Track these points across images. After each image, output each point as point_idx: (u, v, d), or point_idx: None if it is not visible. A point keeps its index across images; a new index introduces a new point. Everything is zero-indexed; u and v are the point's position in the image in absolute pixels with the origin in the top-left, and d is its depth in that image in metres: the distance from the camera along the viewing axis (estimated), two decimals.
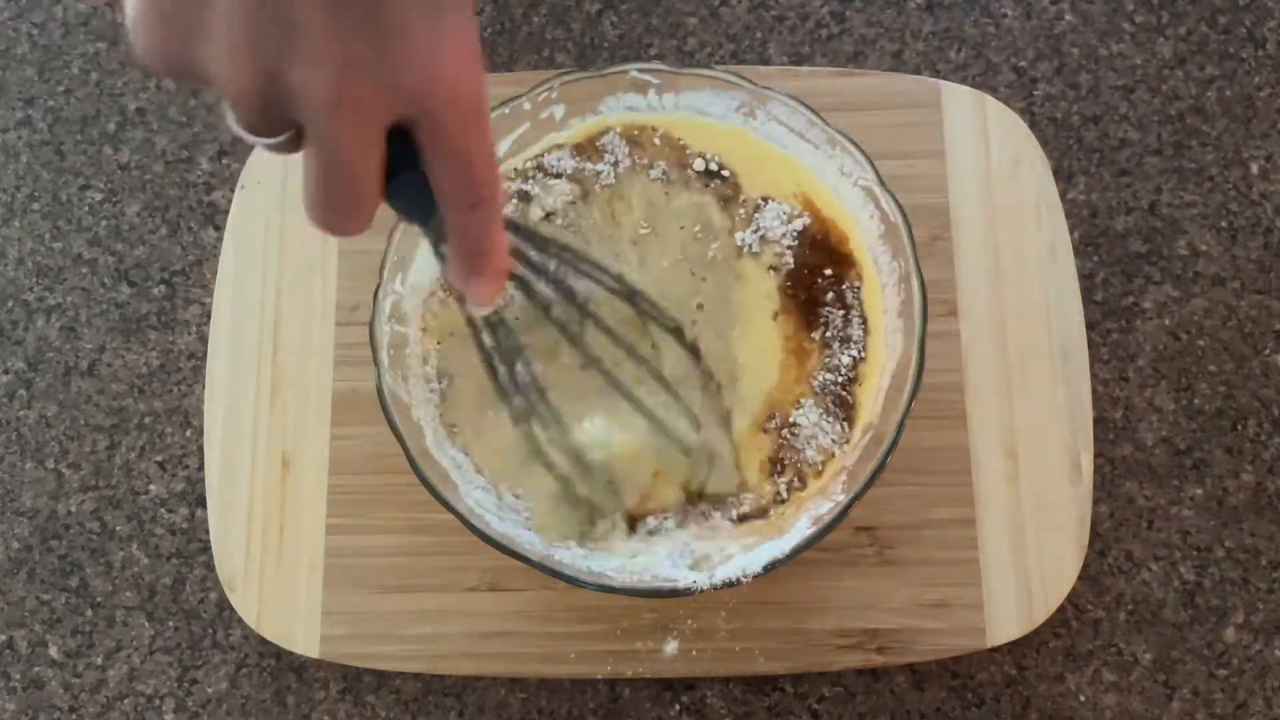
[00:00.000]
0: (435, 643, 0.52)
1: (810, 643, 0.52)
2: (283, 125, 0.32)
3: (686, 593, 0.47)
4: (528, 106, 0.52)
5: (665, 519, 0.50)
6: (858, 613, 0.53)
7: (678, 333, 0.50)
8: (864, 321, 0.52)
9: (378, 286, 0.50)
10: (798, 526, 0.49)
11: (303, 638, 0.52)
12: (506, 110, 0.52)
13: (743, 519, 0.50)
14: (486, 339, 0.46)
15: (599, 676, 0.52)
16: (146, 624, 0.55)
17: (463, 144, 0.33)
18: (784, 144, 0.54)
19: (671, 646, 0.52)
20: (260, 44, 0.30)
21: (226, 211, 0.58)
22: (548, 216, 0.53)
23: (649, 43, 0.62)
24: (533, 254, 0.46)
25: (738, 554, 0.49)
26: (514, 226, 0.43)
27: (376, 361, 0.49)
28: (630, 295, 0.49)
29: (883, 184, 0.50)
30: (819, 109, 0.52)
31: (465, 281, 0.39)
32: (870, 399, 0.51)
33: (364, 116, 0.32)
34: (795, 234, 0.53)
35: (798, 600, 0.53)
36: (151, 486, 0.56)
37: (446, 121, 0.32)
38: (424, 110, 0.32)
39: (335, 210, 0.34)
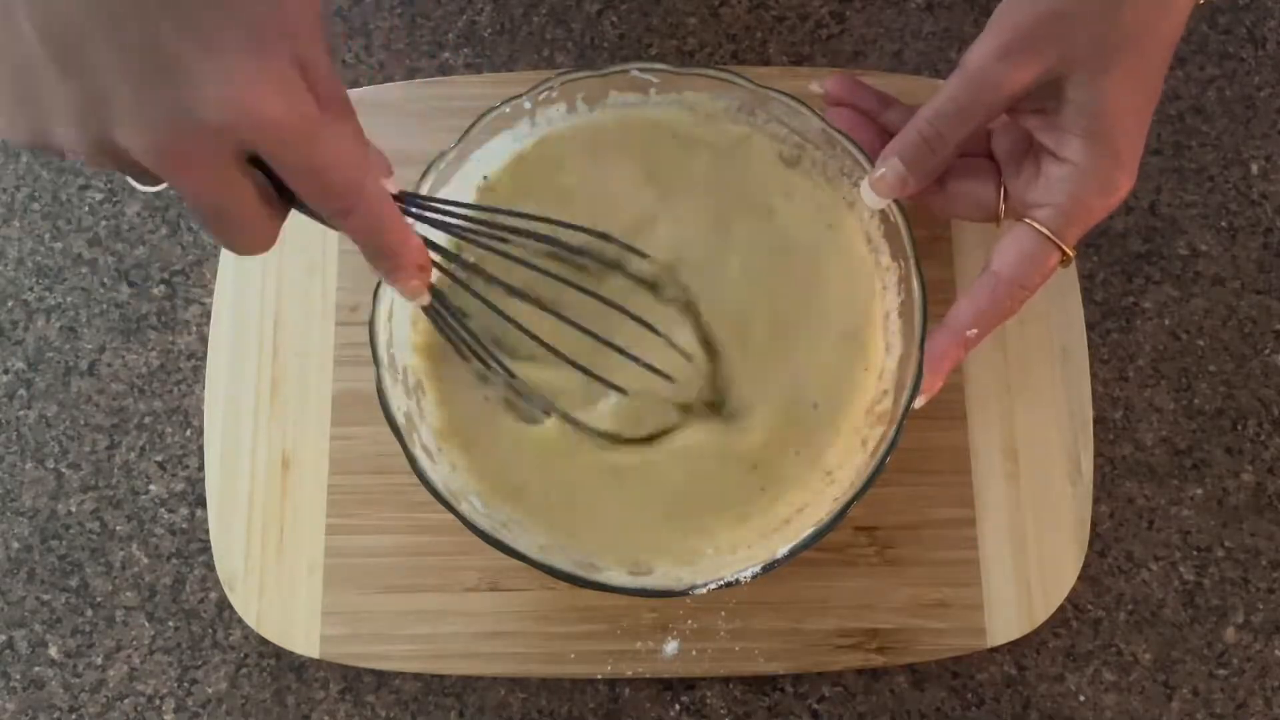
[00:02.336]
0: (435, 643, 0.52)
1: (810, 643, 0.52)
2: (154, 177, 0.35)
3: (685, 593, 0.47)
4: (528, 105, 0.52)
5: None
6: (858, 613, 0.53)
7: (654, 288, 0.50)
8: None
9: (377, 285, 0.50)
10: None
11: (303, 638, 0.52)
12: (507, 109, 0.52)
13: None
14: (446, 321, 0.46)
15: (599, 676, 0.52)
16: (146, 624, 0.55)
17: (299, 161, 0.35)
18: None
19: (671, 646, 0.52)
20: (86, 119, 0.33)
21: None
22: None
23: (649, 43, 0.62)
24: (460, 235, 0.46)
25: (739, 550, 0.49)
26: (429, 209, 0.44)
27: (376, 360, 0.49)
28: (585, 250, 0.48)
29: None
30: (819, 109, 0.52)
31: (385, 280, 0.42)
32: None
33: (197, 161, 0.33)
34: None
35: (798, 600, 0.53)
36: (151, 486, 0.56)
37: (271, 146, 0.34)
38: (247, 140, 0.33)
39: (228, 239, 0.37)
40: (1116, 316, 0.58)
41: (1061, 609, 0.53)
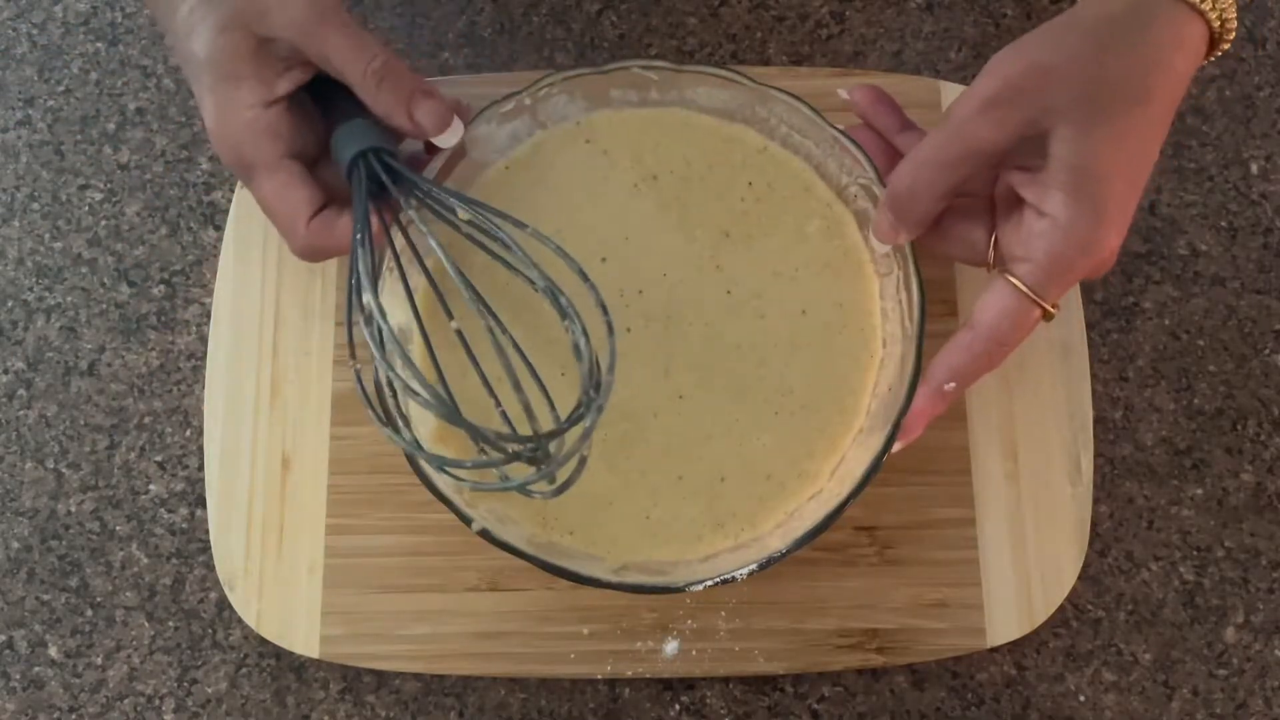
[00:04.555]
0: (435, 643, 0.52)
1: (810, 643, 0.52)
2: None
3: (683, 589, 0.47)
4: (528, 102, 0.52)
5: None
6: (858, 613, 0.53)
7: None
8: None
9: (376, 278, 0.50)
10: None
11: (303, 638, 0.52)
12: (510, 106, 0.52)
13: None
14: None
15: (599, 676, 0.52)
16: (146, 624, 0.55)
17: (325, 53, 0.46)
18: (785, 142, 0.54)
19: (671, 646, 0.52)
20: None
21: (226, 211, 0.58)
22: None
23: (649, 42, 0.62)
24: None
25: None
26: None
27: (374, 353, 0.49)
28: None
29: (883, 183, 0.50)
30: (819, 109, 0.52)
31: (409, 121, 0.47)
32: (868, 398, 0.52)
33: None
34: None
35: (798, 600, 0.53)
36: (151, 486, 0.56)
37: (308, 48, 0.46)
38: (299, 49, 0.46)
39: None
40: (1116, 316, 0.58)
41: (1061, 609, 0.53)
